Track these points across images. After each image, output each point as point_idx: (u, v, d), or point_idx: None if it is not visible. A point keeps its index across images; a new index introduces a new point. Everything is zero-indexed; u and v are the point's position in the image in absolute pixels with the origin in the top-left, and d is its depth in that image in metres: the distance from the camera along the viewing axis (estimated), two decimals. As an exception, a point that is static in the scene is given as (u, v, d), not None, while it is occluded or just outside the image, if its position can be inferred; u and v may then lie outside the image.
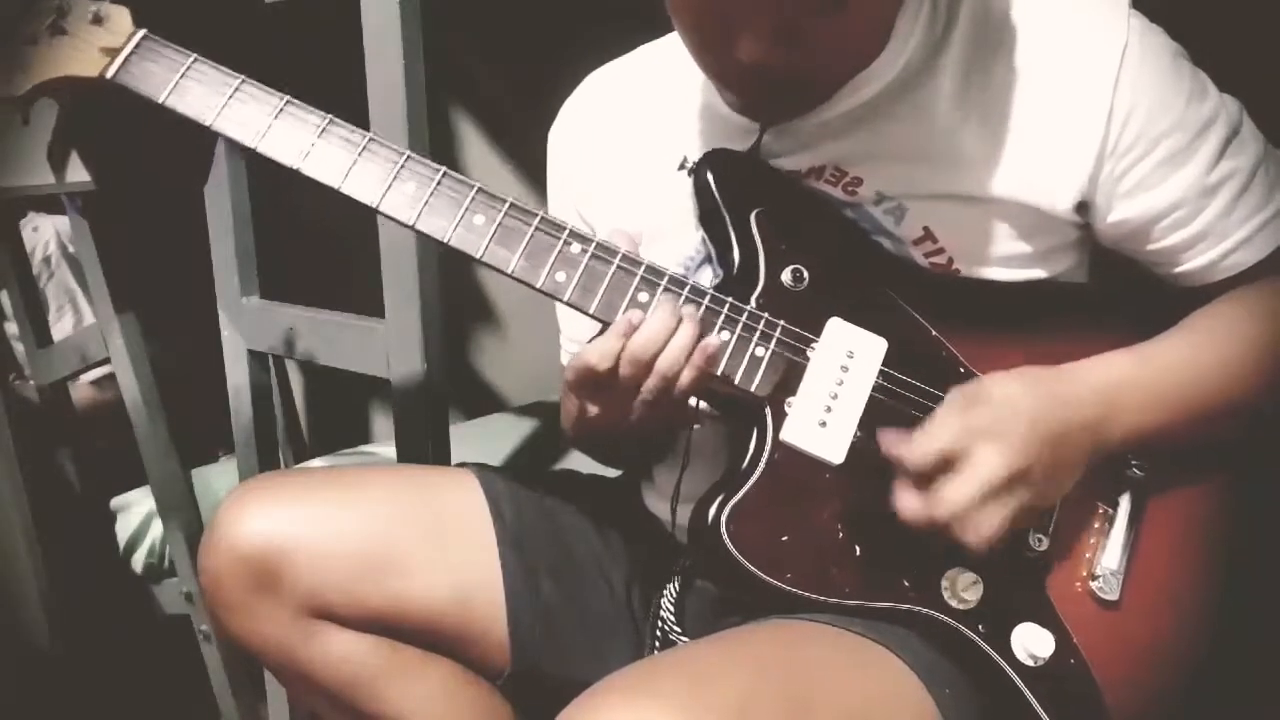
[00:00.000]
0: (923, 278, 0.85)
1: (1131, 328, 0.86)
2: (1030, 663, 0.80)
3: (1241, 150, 0.83)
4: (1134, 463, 0.85)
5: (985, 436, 0.75)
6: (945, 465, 0.75)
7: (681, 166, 0.92)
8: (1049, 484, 0.78)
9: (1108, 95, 0.80)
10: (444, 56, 1.58)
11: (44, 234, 2.09)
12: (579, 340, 0.98)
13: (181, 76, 0.86)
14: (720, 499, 0.81)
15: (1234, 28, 1.04)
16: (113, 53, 0.87)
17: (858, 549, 0.81)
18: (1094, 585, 0.82)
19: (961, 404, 0.78)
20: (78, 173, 1.37)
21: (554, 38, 1.73)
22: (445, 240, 0.83)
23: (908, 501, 0.77)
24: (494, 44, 1.99)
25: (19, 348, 1.95)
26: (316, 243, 1.80)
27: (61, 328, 2.02)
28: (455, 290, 1.36)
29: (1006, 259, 0.85)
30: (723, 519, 0.80)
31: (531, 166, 1.82)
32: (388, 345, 1.20)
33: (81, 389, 1.93)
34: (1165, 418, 0.81)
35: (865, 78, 0.84)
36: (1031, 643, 0.80)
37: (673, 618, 0.93)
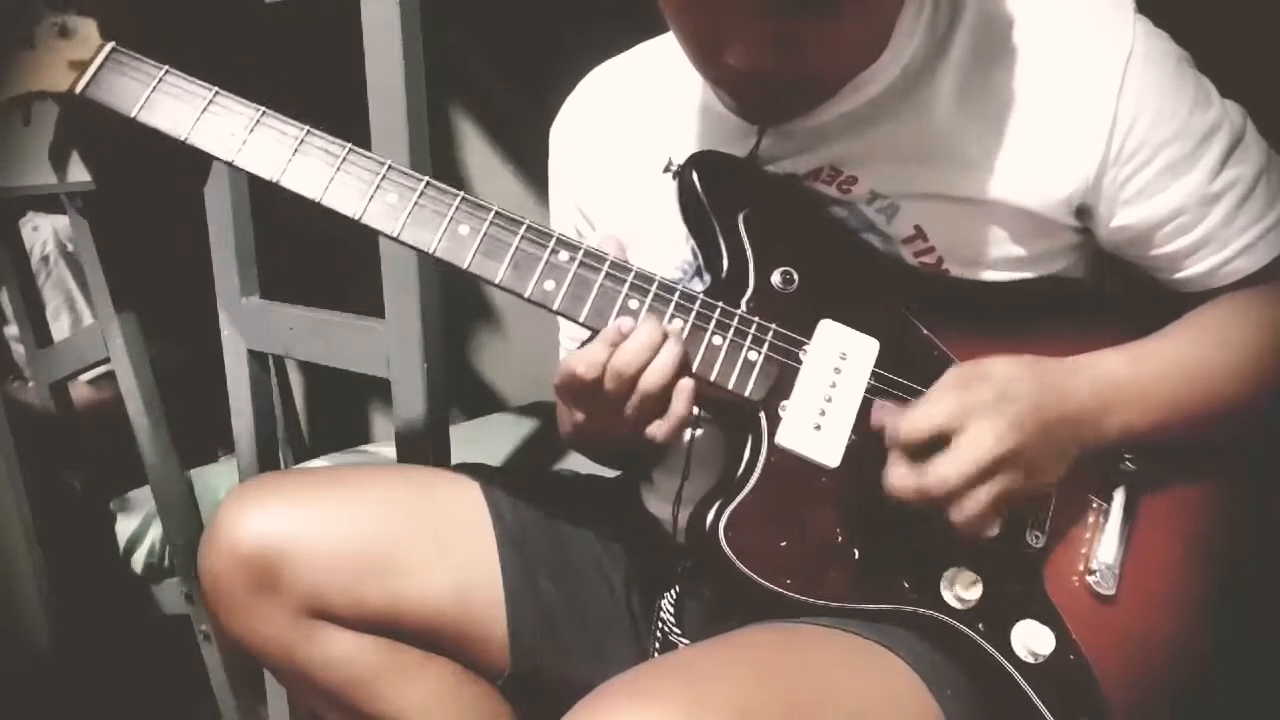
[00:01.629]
0: (913, 277, 0.85)
1: (1127, 327, 0.86)
2: (1031, 660, 0.80)
3: (1244, 158, 0.83)
4: (1127, 457, 0.85)
5: (982, 414, 0.75)
6: (939, 441, 0.75)
7: (667, 169, 0.92)
8: (1039, 471, 0.78)
9: (1112, 101, 0.80)
10: (444, 56, 1.58)
11: (43, 234, 2.09)
12: (577, 339, 0.98)
13: (153, 90, 0.85)
14: (717, 505, 0.80)
15: (1237, 33, 1.04)
16: (81, 66, 0.85)
17: (856, 551, 0.81)
18: (1091, 580, 0.82)
19: (960, 380, 0.78)
20: (78, 173, 1.37)
21: (554, 38, 1.73)
22: (431, 251, 0.83)
23: (899, 473, 0.76)
24: (494, 44, 1.99)
25: (18, 349, 1.95)
26: (316, 243, 1.80)
27: (59, 327, 2.02)
28: (455, 290, 1.36)
29: (998, 260, 0.85)
30: (720, 525, 0.80)
31: (531, 167, 1.82)
32: (388, 345, 1.20)
33: (79, 389, 1.93)
34: (1160, 416, 0.81)
35: (865, 79, 0.83)
36: (1032, 640, 0.80)
37: (673, 620, 0.93)
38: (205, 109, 0.85)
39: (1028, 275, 0.85)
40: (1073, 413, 0.78)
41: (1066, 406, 0.78)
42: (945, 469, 0.74)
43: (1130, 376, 0.81)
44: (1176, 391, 0.82)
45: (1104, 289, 0.90)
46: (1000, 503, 0.76)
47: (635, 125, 0.97)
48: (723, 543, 0.79)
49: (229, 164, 0.84)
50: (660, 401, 0.79)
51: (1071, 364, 0.81)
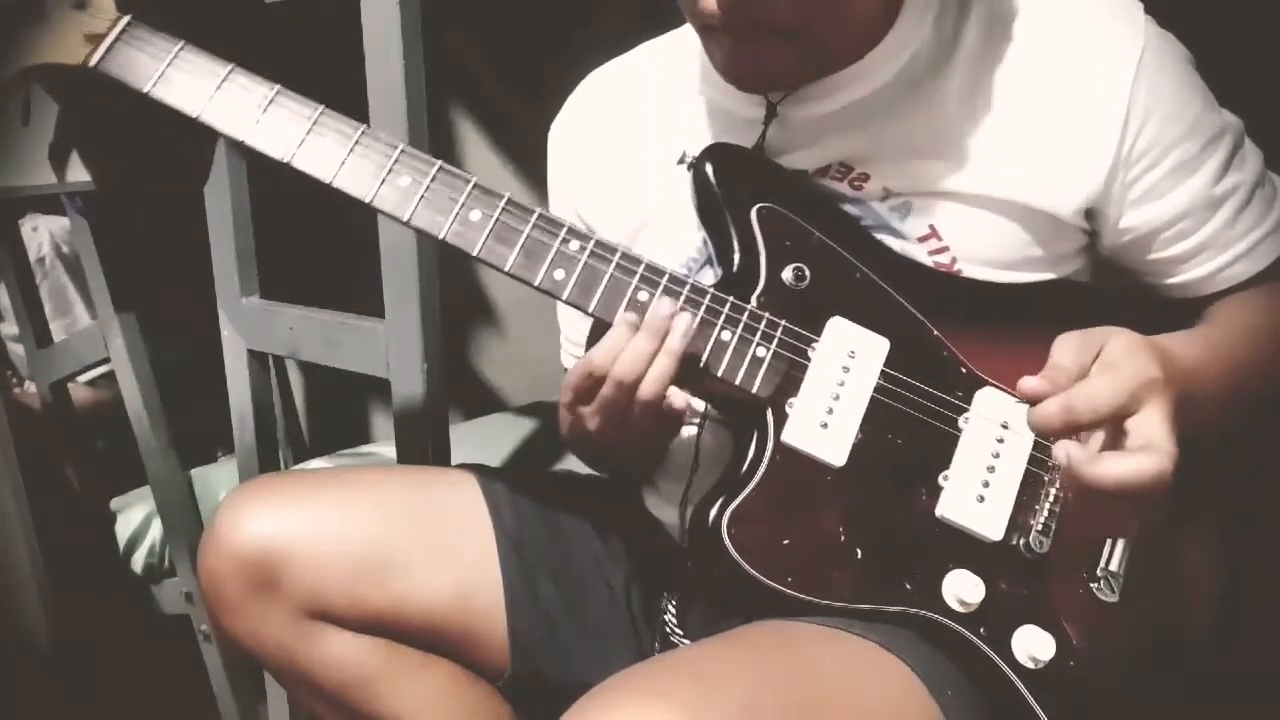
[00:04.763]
0: (925, 277, 0.85)
1: (1135, 328, 0.86)
2: (1031, 665, 0.79)
3: (1244, 164, 0.84)
4: None
5: (1160, 388, 0.69)
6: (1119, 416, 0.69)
7: (681, 161, 0.91)
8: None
9: (1124, 101, 0.80)
10: (444, 56, 1.57)
11: (39, 236, 2.09)
12: (578, 342, 0.98)
13: (168, 65, 0.84)
14: (721, 501, 0.80)
15: (1233, 43, 1.04)
16: (96, 39, 0.84)
17: (859, 552, 0.81)
18: (1094, 587, 0.82)
19: (1092, 357, 0.71)
20: (78, 173, 1.37)
21: (554, 38, 1.73)
22: (441, 236, 0.82)
23: (1111, 464, 0.67)
24: (494, 44, 1.99)
25: (16, 349, 1.95)
26: (316, 243, 1.80)
27: (57, 329, 2.02)
28: (455, 290, 1.36)
29: (1010, 261, 0.84)
30: (724, 522, 0.79)
31: (532, 167, 1.82)
32: (388, 345, 1.19)
33: (77, 389, 1.93)
34: (1217, 407, 0.79)
35: (869, 69, 0.83)
36: (1032, 645, 0.80)
37: (674, 619, 0.93)
38: (220, 86, 0.84)
39: (1039, 277, 0.85)
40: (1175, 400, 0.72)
41: (1179, 400, 0.72)
42: (1160, 451, 0.67)
43: (1205, 360, 0.78)
44: (1229, 384, 0.80)
45: (1111, 289, 0.90)
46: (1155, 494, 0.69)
47: (641, 120, 0.97)
48: (725, 539, 0.79)
49: (241, 143, 0.83)
50: (652, 407, 0.79)
51: (1165, 349, 0.74)
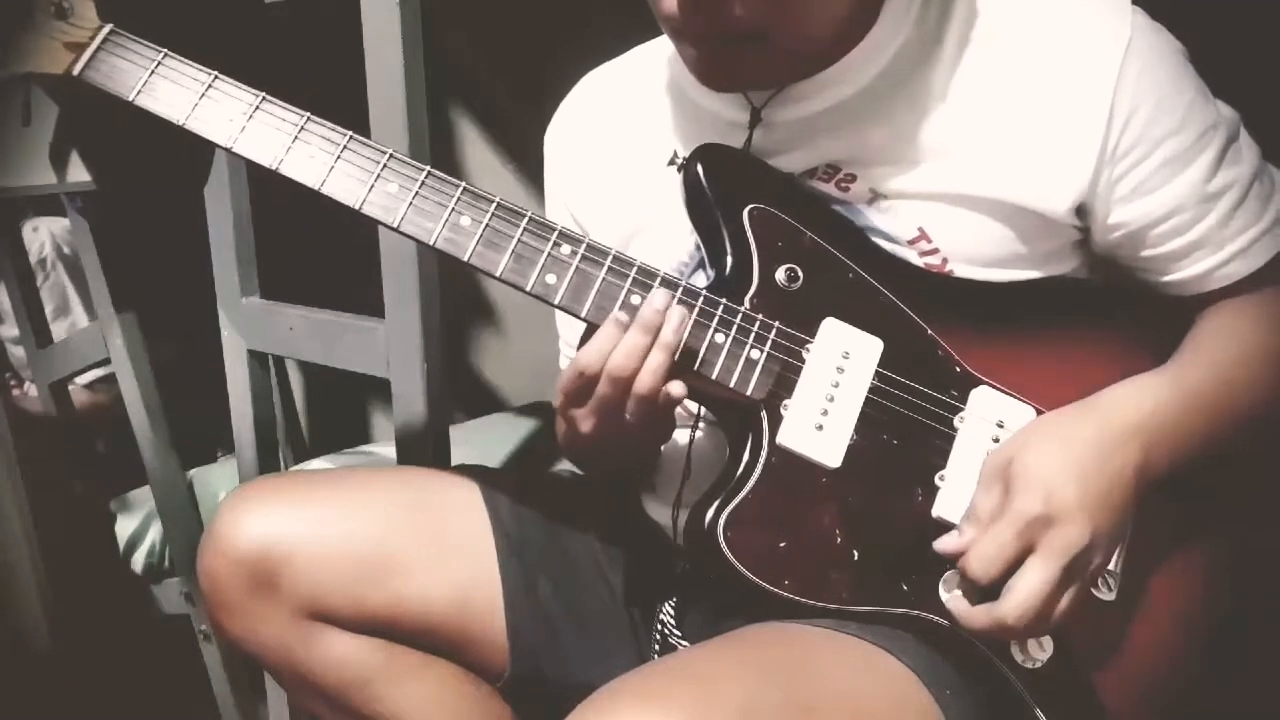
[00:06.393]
0: (918, 276, 0.84)
1: (1129, 324, 0.86)
2: (1029, 665, 0.80)
3: (1239, 159, 0.82)
4: None
5: (1043, 526, 0.74)
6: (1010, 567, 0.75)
7: (671, 162, 0.91)
8: (1111, 539, 0.77)
9: (1108, 94, 0.79)
10: (444, 56, 1.57)
11: (41, 236, 2.09)
12: (574, 344, 0.98)
13: (151, 74, 0.84)
14: (717, 504, 0.80)
15: (1231, 34, 1.03)
16: (78, 48, 0.84)
17: (855, 554, 0.81)
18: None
19: (1002, 490, 0.77)
20: (78, 173, 1.37)
21: (554, 38, 1.73)
22: (431, 242, 0.82)
23: (976, 618, 0.76)
24: (494, 44, 1.99)
25: (16, 351, 1.96)
26: (316, 243, 1.80)
27: (57, 331, 2.02)
28: (455, 290, 1.36)
29: (1002, 260, 0.84)
30: (719, 525, 0.79)
31: (532, 168, 1.81)
32: (388, 345, 1.19)
33: (76, 394, 1.93)
34: (1200, 441, 0.80)
35: (850, 70, 0.83)
36: (1031, 645, 0.80)
37: (673, 621, 0.93)
38: (204, 94, 0.83)
39: (1032, 275, 0.85)
40: (1122, 467, 0.77)
41: (1115, 464, 0.76)
42: (1025, 598, 0.74)
43: (1170, 402, 0.79)
44: (1215, 411, 0.81)
45: (1105, 285, 0.89)
46: (1084, 593, 0.76)
47: (634, 122, 0.97)
48: (721, 543, 0.79)
49: (227, 150, 0.83)
50: (648, 402, 0.79)
51: (1104, 410, 0.79)
